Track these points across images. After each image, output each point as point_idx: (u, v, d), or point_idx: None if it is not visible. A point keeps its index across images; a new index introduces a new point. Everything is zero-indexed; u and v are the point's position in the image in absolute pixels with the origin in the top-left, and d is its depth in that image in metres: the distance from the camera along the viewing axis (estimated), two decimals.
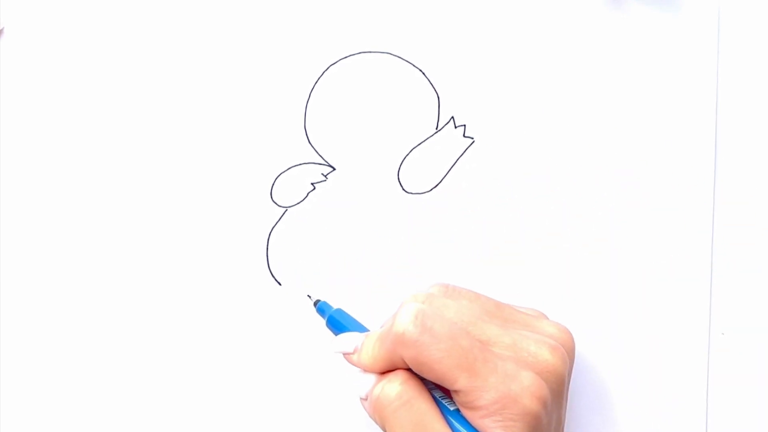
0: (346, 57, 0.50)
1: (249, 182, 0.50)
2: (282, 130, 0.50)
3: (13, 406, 0.50)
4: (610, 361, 0.49)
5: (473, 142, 0.50)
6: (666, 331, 0.50)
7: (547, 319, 0.44)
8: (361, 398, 0.43)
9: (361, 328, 0.45)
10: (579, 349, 0.49)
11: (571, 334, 0.43)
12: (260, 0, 0.50)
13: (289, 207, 0.50)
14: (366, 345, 0.43)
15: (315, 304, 0.48)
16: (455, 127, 0.50)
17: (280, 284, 0.50)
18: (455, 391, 0.40)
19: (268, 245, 0.50)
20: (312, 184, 0.50)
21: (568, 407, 0.46)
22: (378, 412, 0.41)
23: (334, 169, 0.50)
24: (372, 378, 0.42)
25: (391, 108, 0.50)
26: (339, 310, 0.47)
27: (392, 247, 0.50)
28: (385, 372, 0.42)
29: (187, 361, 0.50)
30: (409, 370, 0.41)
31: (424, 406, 0.41)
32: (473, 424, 0.40)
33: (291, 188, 0.50)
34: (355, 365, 0.43)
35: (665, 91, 0.50)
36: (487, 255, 0.50)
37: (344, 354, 0.44)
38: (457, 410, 0.41)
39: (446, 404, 0.41)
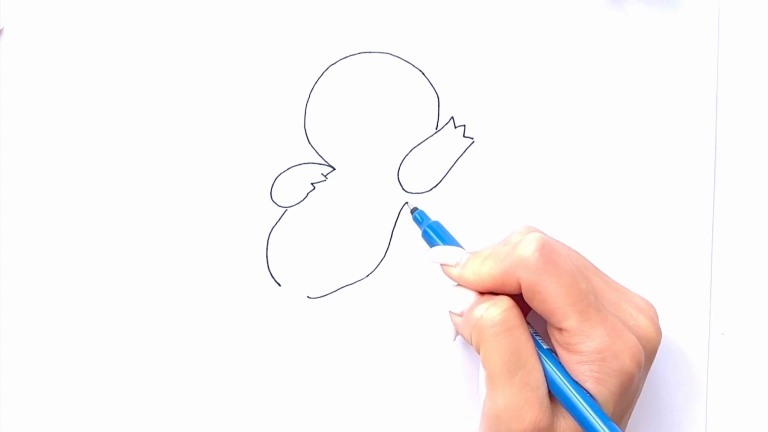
0: (346, 57, 0.50)
1: (249, 182, 0.50)
2: (282, 130, 0.50)
3: (13, 406, 0.50)
4: None
5: (473, 142, 0.50)
6: (666, 331, 0.50)
7: (633, 292, 0.45)
8: (452, 312, 0.43)
9: (458, 245, 0.45)
10: None
11: (656, 309, 0.44)
12: (260, 0, 0.50)
13: (289, 207, 0.50)
14: (473, 261, 0.43)
15: (412, 212, 0.47)
16: (455, 127, 0.50)
17: (279, 285, 0.50)
18: (560, 329, 0.40)
19: (267, 245, 0.50)
20: (312, 184, 0.50)
21: None
22: (477, 331, 0.41)
23: (334, 169, 0.50)
24: (471, 296, 0.43)
25: (391, 108, 0.50)
26: (437, 223, 0.46)
27: (392, 247, 0.50)
28: (484, 293, 0.43)
29: (186, 361, 0.50)
30: (511, 298, 0.42)
31: (523, 337, 0.41)
32: (567, 367, 0.41)
33: (291, 188, 0.50)
34: (454, 278, 0.43)
35: (665, 91, 0.50)
36: None
37: (444, 265, 0.44)
38: (549, 350, 0.42)
39: (540, 342, 0.42)
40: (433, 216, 0.48)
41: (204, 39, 0.50)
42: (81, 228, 0.50)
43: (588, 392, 0.40)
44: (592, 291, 0.41)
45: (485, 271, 0.42)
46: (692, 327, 0.50)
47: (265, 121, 0.50)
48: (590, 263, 0.44)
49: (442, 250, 0.45)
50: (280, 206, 0.50)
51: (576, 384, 0.41)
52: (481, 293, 0.43)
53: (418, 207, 0.48)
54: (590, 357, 0.40)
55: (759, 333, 0.50)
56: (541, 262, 0.40)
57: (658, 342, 0.43)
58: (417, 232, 0.48)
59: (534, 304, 0.41)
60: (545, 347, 0.42)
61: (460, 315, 0.43)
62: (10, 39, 0.50)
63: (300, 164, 0.50)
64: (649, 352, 0.42)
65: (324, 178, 0.50)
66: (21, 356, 0.50)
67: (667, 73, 0.50)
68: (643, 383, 0.43)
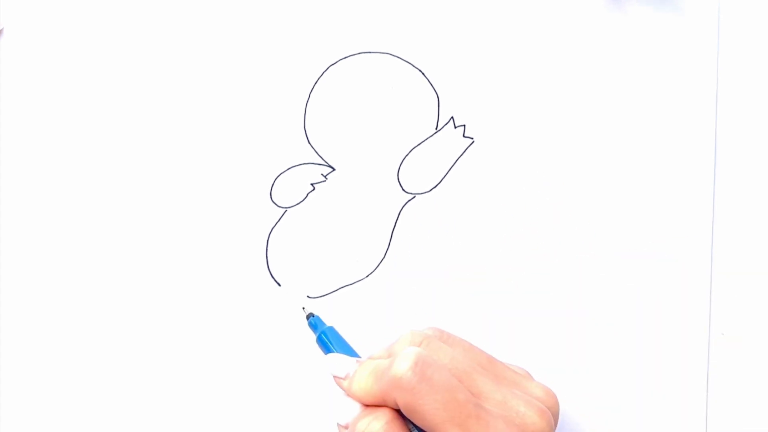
0: (346, 57, 0.50)
1: (249, 182, 0.50)
2: (282, 131, 0.50)
3: (13, 406, 0.50)
4: (610, 360, 0.49)
5: (473, 142, 0.50)
6: (666, 332, 0.50)
7: (534, 380, 0.44)
8: (339, 425, 0.43)
9: (351, 353, 0.45)
10: (579, 350, 0.49)
11: (556, 398, 0.43)
12: (260, 0, 0.50)
13: (289, 207, 0.50)
14: (359, 375, 0.43)
15: (308, 317, 0.47)
16: (455, 127, 0.50)
17: (279, 285, 0.50)
18: None
19: (267, 246, 0.50)
20: (312, 184, 0.50)
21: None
22: None
23: (334, 169, 0.50)
24: (356, 408, 0.42)
25: (391, 108, 0.50)
26: (331, 329, 0.46)
27: (392, 247, 0.50)
28: (370, 405, 0.42)
29: (186, 361, 0.50)
30: (396, 410, 0.41)
31: None
32: None
33: (291, 189, 0.50)
34: (344, 390, 0.43)
35: (665, 91, 0.50)
36: (488, 254, 0.50)
37: (335, 377, 0.44)
38: None
39: None
40: (434, 216, 0.48)
41: (204, 39, 0.50)
42: (81, 228, 0.50)
43: None
44: (473, 398, 0.40)
45: (368, 387, 0.42)
46: (692, 327, 0.50)
47: (265, 121, 0.50)
48: (482, 357, 0.43)
49: (333, 361, 0.44)
50: (280, 206, 0.50)
51: None
52: (367, 405, 0.42)
53: (314, 313, 0.47)
54: None
55: (759, 333, 0.50)
56: (415, 380, 0.39)
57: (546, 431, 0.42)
58: (417, 232, 0.48)
59: (414, 420, 0.40)
60: None
61: (346, 427, 0.42)
62: (10, 39, 0.50)
63: (300, 164, 0.50)
64: None
65: (324, 179, 0.50)
66: (21, 356, 0.50)
67: (667, 74, 0.50)
68: None
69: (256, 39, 0.50)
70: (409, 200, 0.50)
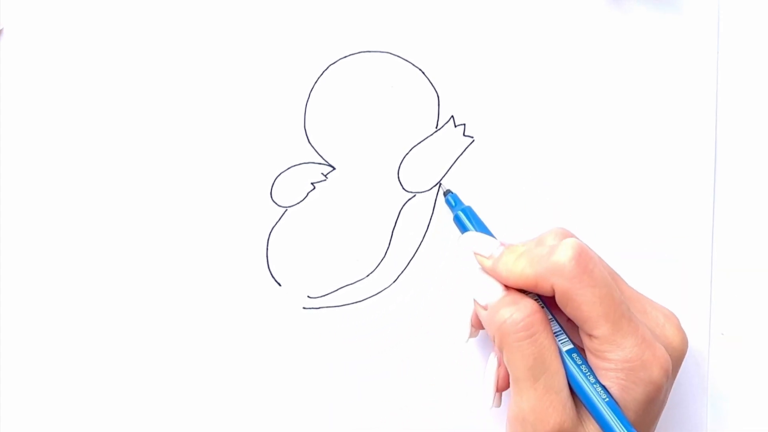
0: (346, 57, 0.50)
1: (249, 182, 0.50)
2: (282, 130, 0.50)
3: (13, 406, 0.50)
4: None
5: (473, 141, 0.50)
6: None
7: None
8: (477, 302, 0.43)
9: (489, 234, 0.45)
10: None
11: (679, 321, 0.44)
12: (260, 0, 0.50)
13: (289, 207, 0.50)
14: (507, 256, 0.43)
15: (445, 194, 0.48)
16: (455, 126, 0.50)
17: (279, 284, 0.50)
18: (590, 336, 0.41)
19: (268, 245, 0.50)
20: (312, 183, 0.50)
21: None
22: (500, 334, 0.41)
23: (334, 168, 0.50)
24: (499, 290, 0.43)
25: (391, 107, 0.50)
26: (469, 209, 0.46)
27: (392, 247, 0.50)
28: (510, 288, 0.43)
29: (186, 361, 0.50)
30: (536, 300, 0.42)
31: (546, 342, 0.41)
32: (595, 371, 0.41)
33: (291, 188, 0.50)
34: (485, 269, 0.43)
35: (665, 91, 0.50)
36: None
37: (477, 254, 0.44)
38: (574, 349, 0.42)
39: (564, 342, 0.42)
40: (434, 215, 0.48)
41: (204, 39, 0.50)
42: (81, 228, 0.50)
43: (612, 397, 0.41)
44: (624, 301, 0.41)
45: (518, 270, 0.42)
46: (692, 327, 0.50)
47: (265, 121, 0.50)
48: (616, 273, 0.44)
49: (476, 238, 0.45)
50: (280, 206, 0.50)
51: (599, 386, 0.41)
52: (507, 287, 0.43)
53: (451, 190, 0.48)
54: (618, 365, 0.40)
55: (759, 333, 0.50)
56: (578, 270, 0.40)
57: (685, 351, 0.43)
58: (417, 231, 0.48)
59: (567, 310, 0.41)
60: (569, 347, 0.42)
61: (485, 308, 0.43)
62: (10, 39, 0.50)
63: (300, 164, 0.50)
64: (675, 360, 0.42)
65: (324, 178, 0.50)
66: (21, 356, 0.50)
67: (667, 73, 0.50)
68: (669, 394, 0.43)
69: (256, 39, 0.50)
70: (410, 199, 0.50)
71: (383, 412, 0.50)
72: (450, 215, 0.48)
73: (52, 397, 0.50)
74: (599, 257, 0.43)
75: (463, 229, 0.46)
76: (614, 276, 0.43)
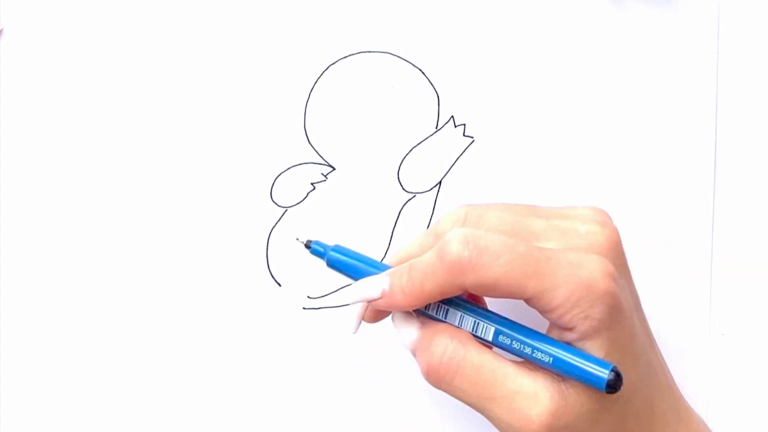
0: (346, 57, 0.50)
1: (249, 182, 0.50)
2: (282, 130, 0.50)
3: (13, 406, 0.50)
4: None
5: (473, 141, 0.50)
6: (666, 332, 0.50)
7: (578, 206, 0.42)
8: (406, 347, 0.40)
9: (372, 263, 0.41)
10: None
11: (605, 211, 0.41)
12: (260, 0, 0.50)
13: (289, 207, 0.50)
14: (397, 282, 0.39)
15: (307, 246, 0.43)
16: (455, 126, 0.50)
17: (279, 285, 0.50)
18: (527, 299, 0.38)
19: (268, 245, 0.50)
20: (312, 184, 0.50)
21: None
22: (434, 386, 0.39)
23: (334, 169, 0.50)
24: (413, 335, 0.40)
25: (391, 107, 0.50)
26: (338, 247, 0.42)
27: (392, 247, 0.50)
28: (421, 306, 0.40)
29: (186, 361, 0.50)
30: (440, 324, 0.39)
31: (475, 360, 0.38)
32: (554, 324, 0.39)
33: (291, 188, 0.50)
34: (385, 308, 0.40)
35: (665, 90, 0.50)
36: None
37: (369, 301, 0.40)
38: (496, 332, 0.39)
39: (485, 333, 0.39)
40: (434, 215, 0.48)
41: (204, 39, 0.50)
42: (81, 228, 0.50)
43: (568, 341, 0.39)
44: (533, 246, 0.38)
45: (418, 290, 0.39)
46: (692, 327, 0.50)
47: (265, 121, 0.50)
48: (522, 208, 0.41)
49: (361, 287, 0.40)
50: (280, 206, 0.50)
51: (543, 343, 0.38)
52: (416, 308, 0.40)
53: (311, 239, 0.43)
54: (567, 305, 0.37)
55: (759, 333, 0.50)
56: (474, 256, 0.37)
57: (618, 239, 0.40)
58: (417, 230, 0.48)
59: (487, 295, 0.38)
60: (493, 330, 0.39)
61: (412, 353, 0.40)
62: (10, 39, 0.50)
63: (300, 164, 0.50)
64: (615, 256, 0.40)
65: (324, 178, 0.50)
66: (21, 356, 0.50)
67: (667, 73, 0.50)
68: (631, 280, 0.41)
69: (256, 39, 0.50)
70: (410, 199, 0.50)
71: (383, 412, 0.50)
72: None
73: (52, 398, 0.50)
74: (497, 213, 0.40)
75: (343, 268, 0.42)
76: (517, 221, 0.40)
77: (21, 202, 0.50)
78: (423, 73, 0.50)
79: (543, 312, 0.38)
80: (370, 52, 0.50)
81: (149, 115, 0.50)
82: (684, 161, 0.50)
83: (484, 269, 0.37)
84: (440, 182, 0.50)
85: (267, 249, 0.50)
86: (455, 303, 0.40)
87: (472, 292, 0.38)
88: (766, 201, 0.50)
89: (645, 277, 0.50)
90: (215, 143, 0.50)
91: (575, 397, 0.38)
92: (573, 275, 0.38)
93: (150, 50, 0.50)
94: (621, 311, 0.38)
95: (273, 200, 0.50)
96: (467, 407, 0.50)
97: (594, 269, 0.38)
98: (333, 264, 0.42)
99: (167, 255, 0.50)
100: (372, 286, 0.40)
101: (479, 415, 0.50)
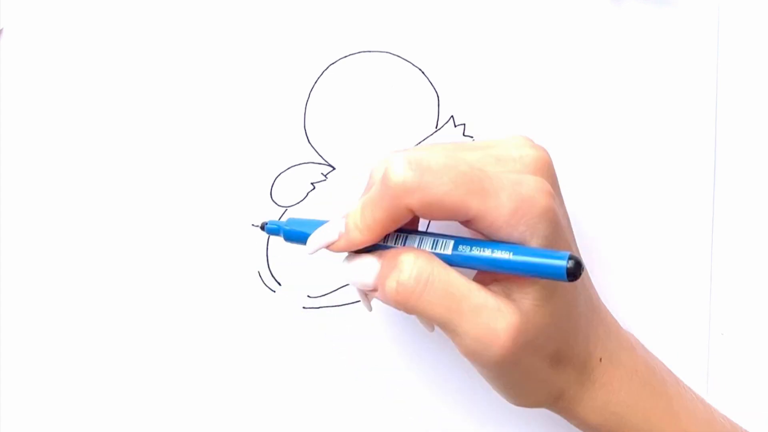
0: (346, 56, 0.50)
1: (249, 182, 0.50)
2: (282, 130, 0.50)
3: (13, 406, 0.50)
4: None
5: (473, 141, 0.50)
6: (666, 331, 0.50)
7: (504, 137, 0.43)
8: (366, 290, 0.41)
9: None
10: None
11: (528, 137, 0.43)
12: (260, 0, 0.50)
13: (289, 207, 0.50)
14: (351, 221, 0.40)
15: (262, 227, 0.45)
16: (455, 126, 0.50)
17: (279, 285, 0.50)
18: (471, 219, 0.39)
19: (268, 245, 0.50)
20: (312, 183, 0.50)
21: None
22: (402, 304, 0.39)
23: (334, 168, 0.50)
24: (374, 264, 0.40)
25: (391, 107, 0.50)
26: (291, 219, 0.44)
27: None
28: (376, 245, 0.40)
29: (186, 360, 0.50)
30: (401, 248, 0.40)
31: (442, 275, 0.39)
32: (501, 240, 0.39)
33: (291, 188, 0.50)
34: (345, 249, 0.41)
35: (665, 90, 0.50)
36: None
37: (329, 246, 0.41)
38: (456, 242, 0.40)
39: (444, 248, 0.40)
40: None
41: (204, 39, 0.50)
42: (80, 228, 0.50)
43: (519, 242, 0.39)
44: (474, 166, 0.39)
45: (370, 220, 0.40)
46: (692, 327, 0.50)
47: (265, 121, 0.50)
48: (452, 143, 0.43)
49: (317, 235, 0.41)
50: (280, 206, 0.50)
51: (498, 251, 0.39)
52: (374, 249, 0.41)
53: (265, 222, 0.45)
54: (511, 221, 0.38)
55: (759, 333, 0.50)
56: (418, 175, 0.38)
57: (548, 158, 0.42)
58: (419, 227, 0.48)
59: (433, 216, 0.39)
60: (451, 245, 0.40)
61: (374, 288, 0.41)
62: (10, 39, 0.50)
63: (300, 164, 0.50)
64: (549, 175, 0.41)
65: (324, 178, 0.50)
66: (20, 356, 0.50)
67: (667, 73, 0.50)
68: (563, 200, 0.43)
69: (256, 39, 0.50)
70: None
71: (383, 411, 0.50)
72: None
73: (51, 398, 0.50)
74: (431, 148, 0.41)
75: (301, 235, 0.43)
76: (452, 152, 0.41)
77: (21, 202, 0.50)
78: (423, 73, 0.50)
79: (488, 231, 0.39)
80: (370, 52, 0.50)
81: (149, 115, 0.50)
82: (684, 161, 0.50)
83: (429, 188, 0.38)
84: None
85: (267, 249, 0.50)
86: (411, 231, 0.41)
87: (419, 213, 0.39)
88: (765, 200, 0.50)
89: (645, 277, 0.50)
90: (215, 143, 0.50)
91: (533, 313, 0.39)
92: (515, 192, 0.39)
93: (150, 50, 0.50)
94: (561, 227, 0.40)
95: (273, 200, 0.50)
96: (468, 407, 0.50)
97: (534, 187, 0.39)
98: (290, 235, 0.43)
99: (167, 254, 0.50)
100: (329, 231, 0.41)
101: (479, 413, 0.50)
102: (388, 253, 0.40)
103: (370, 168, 0.43)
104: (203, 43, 0.50)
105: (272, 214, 0.50)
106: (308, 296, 0.50)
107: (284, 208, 0.50)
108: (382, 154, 0.50)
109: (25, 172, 0.50)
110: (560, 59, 0.50)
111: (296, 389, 0.50)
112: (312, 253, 0.42)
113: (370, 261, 0.41)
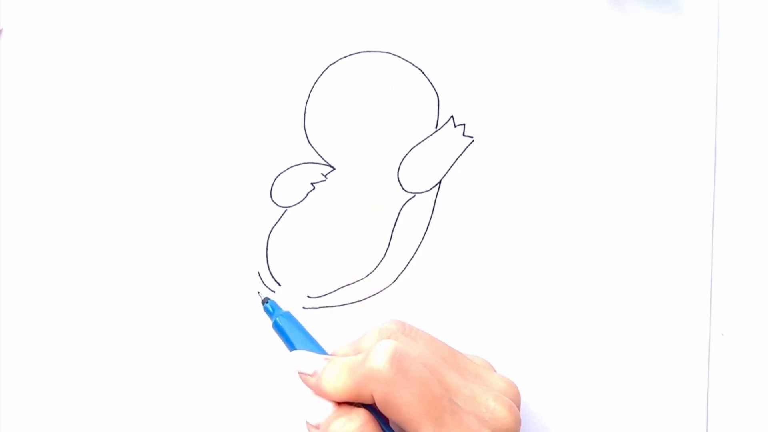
0: (346, 57, 0.50)
1: (249, 182, 0.50)
2: (282, 130, 0.50)
3: (13, 406, 0.50)
4: (610, 361, 0.49)
5: (473, 141, 0.50)
6: (666, 332, 0.50)
7: (495, 371, 0.44)
8: (309, 424, 0.42)
9: (311, 343, 0.44)
10: (580, 350, 0.49)
11: (518, 390, 0.44)
12: (260, 0, 0.50)
13: (289, 207, 0.50)
14: (329, 371, 0.42)
15: (263, 302, 0.46)
16: (455, 126, 0.50)
17: (279, 285, 0.50)
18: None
19: (267, 245, 0.50)
20: (312, 184, 0.50)
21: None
22: None
23: (334, 168, 0.50)
24: (328, 407, 0.42)
25: (391, 107, 0.50)
26: (288, 314, 0.45)
27: (392, 247, 0.50)
28: (341, 402, 0.42)
29: (185, 360, 0.50)
30: (367, 408, 0.41)
31: None
32: None
33: (291, 188, 0.50)
34: (311, 388, 0.42)
35: (665, 91, 0.50)
36: (487, 253, 0.50)
37: (301, 374, 0.43)
38: None
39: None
40: (434, 215, 0.48)
41: (204, 39, 0.50)
42: (80, 228, 0.50)
43: None
44: (446, 393, 0.40)
45: (341, 384, 0.41)
46: (692, 327, 0.50)
47: (265, 121, 0.50)
48: (444, 350, 0.43)
49: (299, 358, 0.43)
50: (280, 206, 0.50)
51: None
52: (339, 403, 0.42)
53: (269, 297, 0.46)
54: None
55: (759, 333, 0.50)
56: (392, 372, 0.39)
57: (518, 429, 0.42)
58: (417, 231, 0.48)
59: (388, 414, 0.40)
60: None
61: (317, 427, 0.42)
62: (10, 39, 0.50)
63: (300, 164, 0.50)
64: None
65: (324, 178, 0.50)
66: (20, 356, 0.50)
67: (667, 74, 0.50)
68: None
69: (256, 39, 0.50)
70: (409, 199, 0.50)
71: None
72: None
73: (51, 398, 0.50)
74: (423, 346, 0.42)
75: (284, 336, 0.44)
76: (440, 364, 0.42)
77: (21, 202, 0.50)
78: (423, 73, 0.50)
79: None
80: (370, 52, 0.50)
81: (149, 115, 0.50)
82: (684, 162, 0.50)
83: (396, 389, 0.39)
84: (440, 182, 0.50)
85: (267, 249, 0.50)
86: (382, 418, 0.42)
87: (379, 405, 0.40)
88: (765, 200, 0.50)
89: (645, 278, 0.50)
90: (215, 143, 0.50)
91: None
92: None
93: (150, 50, 0.50)
94: None
95: (273, 200, 0.50)
96: None
97: None
98: (278, 330, 0.45)
99: (167, 255, 0.50)
100: (308, 363, 0.43)
101: None
102: (348, 405, 0.41)
103: (372, 329, 0.43)
104: (203, 44, 0.50)
105: (272, 214, 0.50)
106: (308, 296, 0.50)
107: (284, 208, 0.50)
108: (384, 152, 0.50)
109: (25, 172, 0.50)
110: (560, 60, 0.50)
111: (296, 389, 0.50)
112: (290, 367, 0.43)
113: (324, 405, 0.42)
